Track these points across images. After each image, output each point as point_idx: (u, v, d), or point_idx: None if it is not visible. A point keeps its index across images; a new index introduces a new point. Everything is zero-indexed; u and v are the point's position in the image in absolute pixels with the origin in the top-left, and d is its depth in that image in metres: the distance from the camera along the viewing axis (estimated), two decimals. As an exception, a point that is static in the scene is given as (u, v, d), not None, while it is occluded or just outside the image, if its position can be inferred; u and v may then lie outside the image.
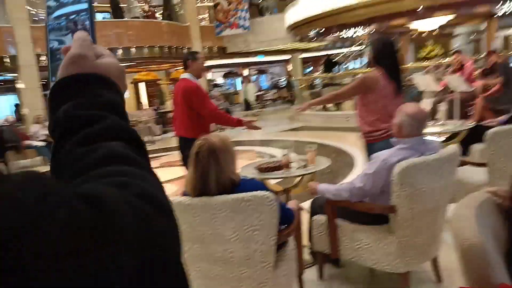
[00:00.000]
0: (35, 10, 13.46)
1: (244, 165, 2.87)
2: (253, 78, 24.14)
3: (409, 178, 1.99)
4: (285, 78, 20.89)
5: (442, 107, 6.12)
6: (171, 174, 5.70)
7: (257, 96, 18.21)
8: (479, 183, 2.75)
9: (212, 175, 1.78)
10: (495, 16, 10.49)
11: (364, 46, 17.27)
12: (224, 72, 24.30)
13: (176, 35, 12.69)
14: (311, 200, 2.64)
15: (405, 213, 2.04)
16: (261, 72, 25.17)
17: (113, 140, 0.45)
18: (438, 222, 2.16)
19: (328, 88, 11.12)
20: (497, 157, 2.61)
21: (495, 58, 5.60)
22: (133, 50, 11.62)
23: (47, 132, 8.85)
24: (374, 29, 13.48)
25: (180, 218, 1.88)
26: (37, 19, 12.91)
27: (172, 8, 13.41)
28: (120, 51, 11.46)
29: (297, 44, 15.70)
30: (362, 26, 12.81)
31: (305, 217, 2.50)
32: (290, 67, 20.64)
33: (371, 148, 2.74)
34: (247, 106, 14.98)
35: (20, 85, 11.06)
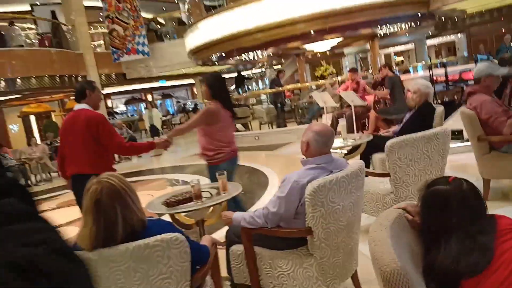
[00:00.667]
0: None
1: (149, 202, 2.62)
2: (158, 102, 23.54)
3: (321, 198, 1.95)
4: (191, 101, 20.68)
5: (341, 122, 6.47)
6: (70, 215, 5.11)
7: (164, 121, 17.70)
8: (385, 192, 2.88)
9: (120, 223, 1.52)
10: (376, 37, 11.64)
11: (264, 69, 17.95)
12: (125, 99, 23.33)
13: (68, 64, 11.81)
14: (226, 229, 2.49)
15: (321, 234, 2.00)
16: (166, 96, 24.67)
17: (6, 196, 0.46)
18: (354, 238, 2.17)
19: (236, 109, 11.20)
20: (396, 167, 2.75)
21: (386, 72, 6.10)
22: (18, 81, 10.50)
23: None
24: (272, 52, 14.12)
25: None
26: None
27: (62, 35, 12.48)
28: (2, 83, 10.28)
29: (200, 68, 15.70)
30: (261, 49, 13.35)
31: (222, 249, 2.34)
32: (196, 90, 20.55)
33: (215, 169, 3.01)
34: (154, 132, 14.42)
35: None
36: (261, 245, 2.24)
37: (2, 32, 11.07)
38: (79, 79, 12.28)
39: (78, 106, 3.06)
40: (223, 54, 12.30)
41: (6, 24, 11.33)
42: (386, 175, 2.80)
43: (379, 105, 6.25)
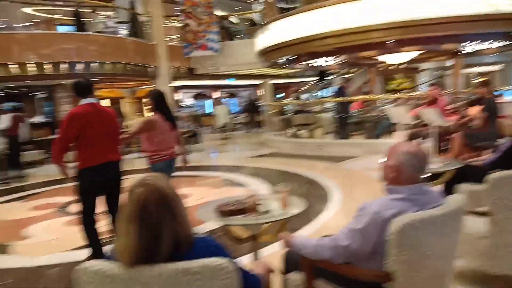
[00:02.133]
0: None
1: (200, 207, 2.33)
2: (225, 100, 23.74)
3: (409, 239, 1.53)
4: (248, 101, 20.38)
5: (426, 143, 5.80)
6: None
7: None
8: (478, 234, 2.35)
9: (166, 236, 1.24)
10: (459, 54, 10.66)
11: (332, 76, 17.35)
12: (194, 93, 23.89)
13: (141, 53, 12.16)
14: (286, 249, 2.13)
15: (404, 283, 1.57)
16: (231, 95, 24.88)
17: None
18: (443, 292, 1.71)
19: (298, 115, 10.80)
20: (499, 206, 2.22)
21: (484, 91, 5.39)
22: (95, 65, 10.96)
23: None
24: (344, 59, 13.56)
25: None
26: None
27: (139, 26, 12.90)
28: (81, 66, 10.78)
29: (268, 70, 15.52)
30: (332, 56, 12.83)
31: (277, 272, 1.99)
32: (261, 92, 20.45)
33: (151, 168, 3.74)
34: (221, 128, 14.65)
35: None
36: (326, 278, 1.86)
37: (84, 19, 11.66)
38: (150, 69, 12.60)
39: (91, 100, 3.32)
40: (292, 58, 11.99)
41: (89, 11, 11.90)
42: (486, 214, 2.28)
43: (463, 122, 5.53)
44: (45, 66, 10.41)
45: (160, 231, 1.23)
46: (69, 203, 5.90)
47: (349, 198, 5.01)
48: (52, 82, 13.24)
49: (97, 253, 3.29)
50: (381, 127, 8.81)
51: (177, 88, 19.72)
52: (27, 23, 16.54)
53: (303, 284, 1.86)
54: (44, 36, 11.21)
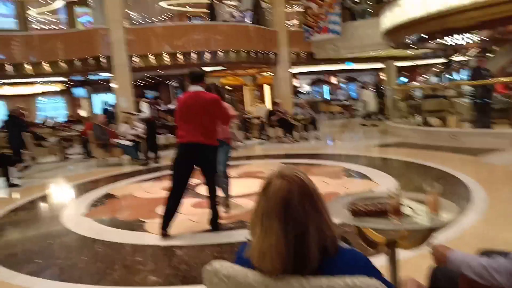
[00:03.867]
0: (131, 13, 14.18)
1: (330, 202, 2.11)
2: (342, 86, 22.94)
3: None
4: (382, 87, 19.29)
5: None
6: (248, 187, 4.99)
7: (346, 106, 17.14)
8: None
9: (313, 235, 1.05)
10: None
11: (469, 56, 15.28)
12: (310, 80, 23.65)
13: (263, 40, 12.32)
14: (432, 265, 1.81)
15: None
16: (350, 80, 23.97)
17: None
18: None
19: (429, 100, 9.75)
20: None
21: None
22: (220, 54, 11.47)
23: (134, 132, 9.00)
24: (487, 35, 11.89)
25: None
26: (134, 22, 13.53)
27: (261, 13, 13.08)
28: (208, 55, 11.39)
29: (392, 51, 14.42)
30: (472, 32, 11.32)
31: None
32: (383, 76, 19.19)
33: (225, 146, 4.48)
34: (368, 115, 14.10)
35: (113, 85, 11.54)
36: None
37: (214, 8, 12.23)
38: (270, 56, 12.70)
39: (195, 88, 3.78)
40: (424, 36, 10.85)
41: (216, 1, 12.46)
42: None
43: None
44: (178, 56, 11.25)
45: (306, 229, 1.04)
46: (197, 185, 6.22)
47: (495, 199, 4.25)
48: (183, 71, 14.30)
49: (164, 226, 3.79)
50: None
51: (295, 74, 19.72)
52: (162, 17, 18.21)
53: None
54: (176, 28, 12.13)
